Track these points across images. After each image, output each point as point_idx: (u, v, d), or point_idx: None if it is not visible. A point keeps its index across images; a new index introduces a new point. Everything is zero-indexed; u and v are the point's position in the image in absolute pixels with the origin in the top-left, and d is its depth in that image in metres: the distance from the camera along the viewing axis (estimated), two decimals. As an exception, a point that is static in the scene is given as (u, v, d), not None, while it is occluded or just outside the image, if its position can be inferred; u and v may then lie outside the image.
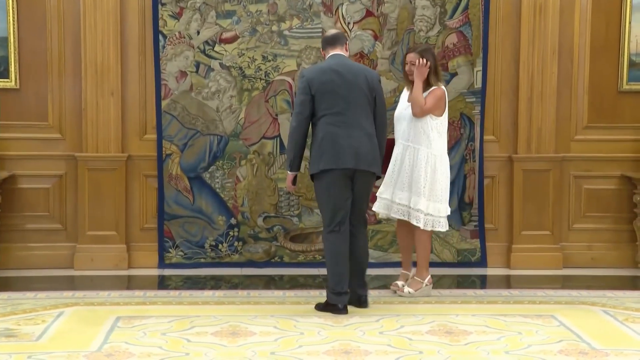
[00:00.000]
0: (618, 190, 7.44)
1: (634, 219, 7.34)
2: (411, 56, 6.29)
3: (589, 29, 7.35)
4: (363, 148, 5.81)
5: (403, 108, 6.31)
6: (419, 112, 6.15)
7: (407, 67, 6.31)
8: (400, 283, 6.40)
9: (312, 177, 5.95)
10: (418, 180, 6.19)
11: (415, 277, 6.37)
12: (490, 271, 7.28)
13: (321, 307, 5.91)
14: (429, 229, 6.24)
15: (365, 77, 5.90)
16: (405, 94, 6.40)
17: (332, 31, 6.17)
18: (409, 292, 6.28)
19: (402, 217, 6.27)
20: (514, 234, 7.34)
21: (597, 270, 7.30)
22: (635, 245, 7.36)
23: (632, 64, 7.37)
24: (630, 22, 7.32)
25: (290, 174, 6.01)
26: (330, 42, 6.00)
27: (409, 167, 6.22)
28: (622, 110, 7.42)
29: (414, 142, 6.23)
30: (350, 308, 5.93)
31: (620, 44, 7.36)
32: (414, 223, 6.23)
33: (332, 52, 5.97)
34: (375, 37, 7.25)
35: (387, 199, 6.29)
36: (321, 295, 6.30)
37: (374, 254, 7.29)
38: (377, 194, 6.38)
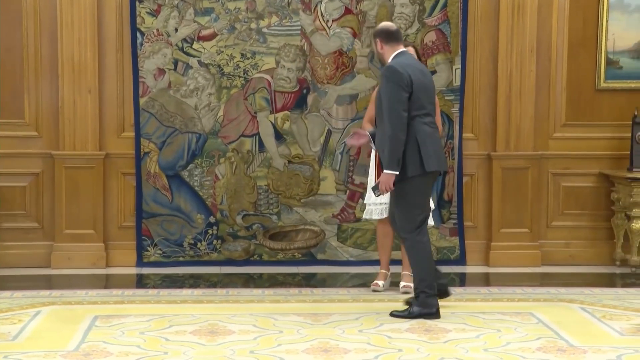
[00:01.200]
0: (596, 188, 7.47)
1: (611, 217, 7.38)
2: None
3: (567, 27, 7.37)
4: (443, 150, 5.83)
5: None
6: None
7: None
8: (381, 282, 6.41)
9: (400, 178, 5.58)
10: None
11: (407, 273, 6.37)
12: (469, 269, 7.29)
13: (415, 314, 5.62)
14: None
15: (432, 77, 5.87)
16: None
17: (391, 24, 5.90)
18: (410, 287, 6.29)
19: None
20: (493, 231, 7.35)
21: (575, 268, 7.33)
22: (612, 242, 7.40)
23: (609, 62, 7.40)
24: (607, 20, 7.36)
25: (391, 174, 5.55)
26: (397, 36, 5.74)
27: None
28: (600, 108, 7.46)
29: None
30: (331, 306, 5.93)
31: (597, 42, 7.39)
32: None
33: (398, 49, 5.71)
34: (354, 35, 7.24)
35: (386, 203, 6.26)
36: (300, 294, 6.30)
37: (353, 252, 7.30)
38: (371, 201, 6.34)
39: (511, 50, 7.24)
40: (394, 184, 5.59)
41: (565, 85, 7.42)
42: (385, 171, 5.58)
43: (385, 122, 5.55)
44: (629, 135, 7.28)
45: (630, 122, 7.28)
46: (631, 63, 7.43)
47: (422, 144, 5.56)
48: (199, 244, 7.24)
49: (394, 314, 5.68)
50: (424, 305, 5.64)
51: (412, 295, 5.88)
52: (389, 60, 5.71)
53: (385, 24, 5.94)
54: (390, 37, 5.73)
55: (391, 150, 5.53)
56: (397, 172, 5.54)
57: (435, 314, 5.63)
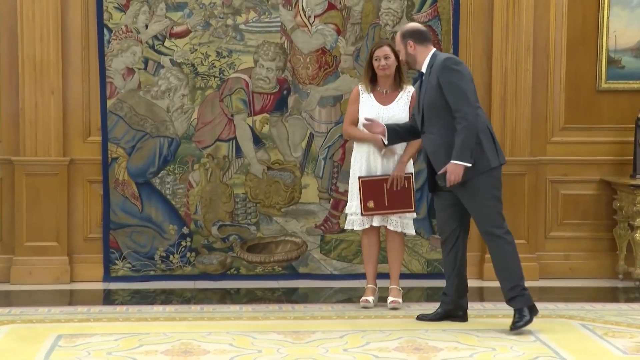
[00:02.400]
0: (597, 196, 7.50)
1: (614, 227, 7.40)
2: (385, 50, 6.29)
3: (566, 24, 7.40)
4: None
5: (376, 111, 6.29)
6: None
7: (376, 64, 6.31)
8: (370, 298, 6.39)
9: (479, 171, 5.65)
10: None
11: (395, 287, 6.39)
12: (461, 283, 7.29)
13: (527, 317, 5.72)
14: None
15: None
16: (367, 96, 6.36)
17: (419, 24, 6.12)
18: (399, 303, 6.35)
19: (395, 229, 6.31)
20: (487, 242, 7.36)
21: (575, 282, 7.35)
22: (615, 254, 7.42)
23: (610, 60, 7.43)
24: (608, 17, 7.39)
25: (461, 165, 5.58)
26: (429, 37, 5.91)
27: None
28: (601, 110, 7.49)
29: (400, 147, 6.30)
30: (313, 323, 5.91)
31: (598, 40, 7.43)
32: (407, 232, 6.37)
33: (431, 50, 5.86)
34: (338, 32, 7.25)
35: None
36: (281, 310, 6.28)
37: (337, 265, 7.30)
38: (352, 210, 6.35)
39: (506, 48, 7.26)
40: (467, 181, 5.64)
41: (564, 85, 7.45)
42: (455, 161, 5.61)
43: (459, 112, 5.60)
44: (632, 139, 7.32)
45: (634, 125, 7.31)
46: (634, 62, 7.46)
47: (490, 135, 5.72)
48: (171, 256, 7.21)
49: (515, 327, 5.71)
50: (526, 302, 5.75)
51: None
52: (425, 62, 5.79)
53: (414, 24, 6.15)
54: (424, 37, 5.87)
55: (466, 141, 5.60)
56: (470, 164, 5.60)
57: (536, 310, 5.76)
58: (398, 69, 6.34)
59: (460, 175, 5.61)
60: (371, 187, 6.25)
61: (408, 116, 6.30)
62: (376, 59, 6.31)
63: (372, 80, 6.38)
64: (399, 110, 6.31)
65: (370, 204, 6.25)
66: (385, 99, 6.35)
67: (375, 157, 6.31)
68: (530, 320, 5.73)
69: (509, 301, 5.81)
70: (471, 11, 7.32)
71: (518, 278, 5.80)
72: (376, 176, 6.27)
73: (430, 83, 5.74)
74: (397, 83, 6.36)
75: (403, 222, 6.34)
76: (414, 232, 6.46)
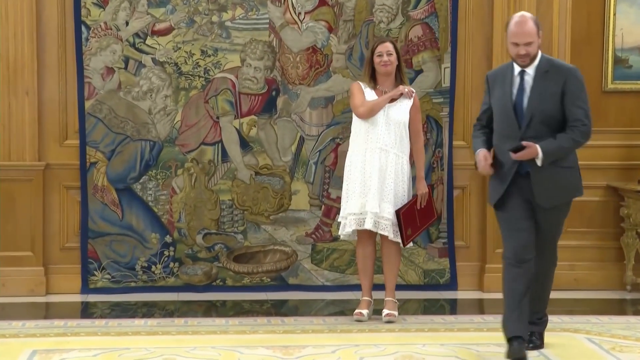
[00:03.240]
0: (603, 203, 7.50)
1: (621, 235, 7.41)
2: (388, 46, 6.30)
3: (569, 22, 7.42)
4: None
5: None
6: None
7: (378, 60, 6.30)
8: (365, 311, 6.37)
9: (571, 196, 5.62)
10: (403, 192, 6.33)
11: (391, 299, 6.39)
12: (461, 294, 7.30)
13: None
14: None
15: None
16: (369, 92, 6.35)
17: None
18: (395, 316, 6.33)
19: (387, 234, 6.28)
20: (488, 252, 7.36)
21: (581, 293, 7.35)
22: (622, 264, 7.42)
23: (617, 60, 7.45)
24: (614, 14, 7.41)
25: (537, 155, 5.35)
26: None
27: (394, 177, 6.29)
28: (607, 112, 7.50)
29: (397, 149, 6.30)
30: (304, 337, 5.89)
31: (604, 38, 7.44)
32: (399, 240, 6.34)
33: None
34: (330, 29, 7.24)
35: (375, 213, 6.24)
36: (269, 323, 6.25)
37: (329, 276, 7.28)
38: (346, 212, 6.33)
39: (507, 47, 7.24)
40: (562, 204, 5.56)
41: (568, 86, 7.44)
42: (540, 150, 5.31)
43: (581, 124, 5.43)
44: (640, 142, 7.34)
45: (642, 128, 7.34)
46: (642, 61, 7.49)
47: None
48: (153, 267, 7.19)
49: (531, 347, 5.67)
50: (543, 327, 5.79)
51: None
52: (535, 62, 5.49)
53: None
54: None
55: (567, 149, 5.43)
56: (541, 165, 5.36)
57: None
58: (398, 67, 6.34)
59: (532, 156, 5.33)
60: (409, 215, 6.33)
61: (408, 117, 6.32)
62: (378, 55, 6.31)
63: (372, 78, 6.38)
64: (399, 109, 6.32)
65: (409, 232, 6.35)
66: None
67: (372, 155, 6.28)
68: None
69: (536, 323, 5.74)
70: (470, 8, 7.33)
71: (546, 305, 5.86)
72: (406, 204, 6.31)
73: (549, 89, 5.42)
74: (398, 82, 6.36)
75: (395, 229, 6.31)
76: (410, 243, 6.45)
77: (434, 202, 6.58)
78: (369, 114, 6.30)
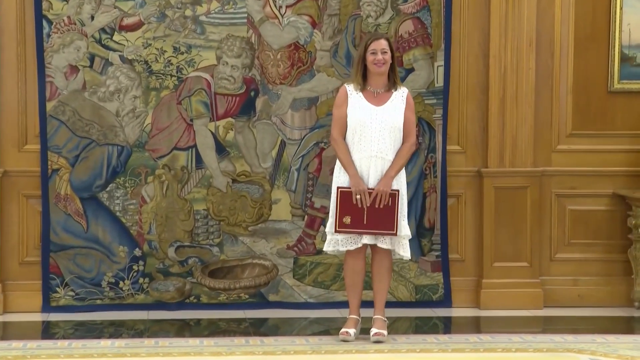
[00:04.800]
0: (609, 212, 7.52)
1: (628, 247, 7.42)
2: (382, 43, 6.29)
3: (573, 16, 7.44)
4: None
5: (368, 113, 6.27)
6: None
7: (371, 58, 6.28)
8: (351, 331, 6.36)
9: None
10: (402, 201, 6.31)
11: (380, 317, 6.37)
12: (455, 312, 7.29)
13: None
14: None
15: None
16: (356, 96, 6.33)
17: None
18: (384, 335, 6.30)
19: (387, 247, 6.28)
20: (485, 266, 7.36)
21: (585, 310, 7.36)
22: (630, 279, 7.43)
23: (624, 58, 7.47)
24: (621, 8, 7.43)
25: None
26: None
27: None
28: (613, 114, 7.52)
29: (394, 155, 6.30)
30: (286, 359, 5.87)
31: (610, 34, 7.46)
32: (401, 253, 6.32)
33: None
34: (313, 24, 7.24)
35: (356, 230, 6.25)
36: (248, 344, 6.24)
37: (312, 292, 7.28)
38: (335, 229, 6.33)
39: (505, 43, 7.28)
40: None
41: (572, 86, 7.48)
42: None
43: None
44: (649, 147, 7.37)
45: (651, 132, 7.37)
46: (651, 60, 7.52)
47: None
48: (121, 283, 7.18)
49: None
50: None
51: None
52: None
53: None
54: None
55: None
56: None
57: None
58: (391, 67, 6.32)
59: None
60: (351, 201, 6.22)
61: (403, 120, 6.30)
62: (372, 53, 6.30)
63: (363, 77, 6.36)
64: (393, 112, 6.30)
65: (347, 220, 6.23)
66: (377, 99, 6.34)
67: (368, 168, 6.26)
68: None
69: None
70: (465, 1, 7.35)
71: None
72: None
73: None
74: (392, 83, 6.35)
75: (397, 241, 6.29)
76: (409, 256, 6.39)
77: (396, 214, 6.25)
78: (334, 149, 6.40)
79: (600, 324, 7.00)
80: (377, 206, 6.24)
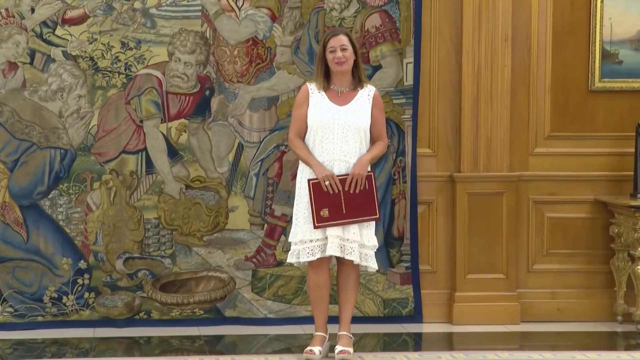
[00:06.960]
0: (590, 220, 7.57)
1: (610, 257, 7.46)
2: (342, 39, 6.29)
3: (551, 9, 7.48)
4: None
5: (330, 113, 6.28)
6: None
7: (330, 56, 6.29)
8: (317, 349, 6.35)
9: None
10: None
11: (345, 333, 6.38)
12: (426, 327, 7.32)
13: None
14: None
15: None
16: (318, 96, 6.35)
17: None
18: (350, 353, 6.30)
19: (354, 259, 6.27)
20: (458, 278, 7.40)
21: (565, 325, 7.40)
22: (612, 291, 7.49)
23: (605, 54, 7.51)
24: (602, 1, 7.47)
25: None
26: None
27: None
28: (595, 114, 7.56)
29: (357, 158, 6.31)
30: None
31: (590, 29, 7.51)
32: (368, 266, 6.33)
33: None
34: (273, 18, 7.26)
35: (339, 237, 6.24)
36: (202, 364, 6.26)
37: (272, 307, 7.28)
38: (298, 239, 6.30)
39: (479, 39, 7.32)
40: None
41: (550, 85, 7.52)
42: None
43: None
44: (632, 150, 7.40)
45: (634, 133, 7.40)
46: (633, 56, 7.55)
47: None
48: (64, 298, 7.17)
49: None
50: None
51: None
52: None
53: None
54: None
55: None
56: None
57: None
58: (356, 64, 6.34)
59: None
60: (325, 192, 6.23)
61: (369, 121, 6.31)
62: (330, 51, 6.30)
63: (325, 76, 6.37)
64: (358, 112, 6.31)
65: (325, 213, 6.22)
66: (340, 99, 6.35)
67: (331, 169, 6.26)
68: None
69: None
70: (436, -7, 7.39)
71: None
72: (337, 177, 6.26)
73: None
74: (356, 81, 6.36)
75: (363, 253, 6.31)
76: (376, 267, 6.40)
77: (376, 197, 6.30)
78: (293, 151, 6.44)
79: (581, 339, 7.05)
80: (353, 191, 6.26)
